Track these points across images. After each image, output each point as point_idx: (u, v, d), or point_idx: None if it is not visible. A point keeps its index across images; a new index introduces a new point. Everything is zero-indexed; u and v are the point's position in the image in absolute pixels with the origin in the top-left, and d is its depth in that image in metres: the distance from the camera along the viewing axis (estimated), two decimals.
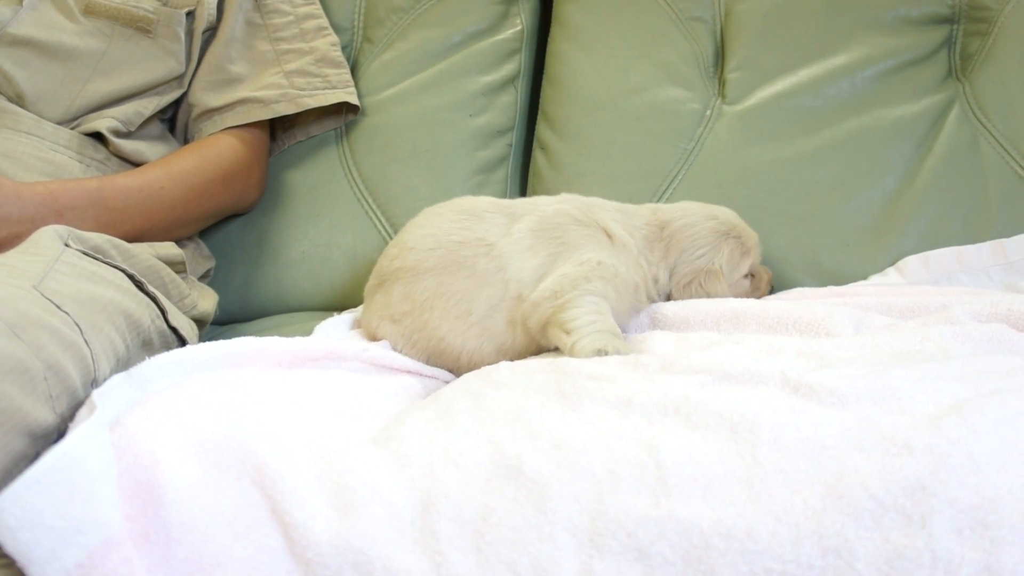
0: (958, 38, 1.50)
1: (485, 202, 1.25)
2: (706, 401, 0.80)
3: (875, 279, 1.35)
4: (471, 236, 1.19)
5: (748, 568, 0.68)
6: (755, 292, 1.31)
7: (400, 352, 1.19)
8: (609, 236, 1.21)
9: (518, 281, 1.15)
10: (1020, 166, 1.37)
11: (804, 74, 1.50)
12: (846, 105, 1.47)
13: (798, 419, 0.76)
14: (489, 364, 1.13)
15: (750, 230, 1.30)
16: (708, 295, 1.23)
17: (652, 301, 1.25)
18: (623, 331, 1.17)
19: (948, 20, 1.51)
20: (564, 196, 1.27)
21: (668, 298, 1.27)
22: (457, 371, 1.18)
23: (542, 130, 1.64)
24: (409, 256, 1.20)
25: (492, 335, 1.16)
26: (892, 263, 1.37)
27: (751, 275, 1.30)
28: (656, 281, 1.25)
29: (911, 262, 1.35)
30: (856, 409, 0.77)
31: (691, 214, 1.28)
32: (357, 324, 1.32)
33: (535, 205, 1.24)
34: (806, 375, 0.83)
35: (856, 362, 0.89)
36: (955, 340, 0.97)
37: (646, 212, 1.29)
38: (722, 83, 1.56)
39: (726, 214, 1.29)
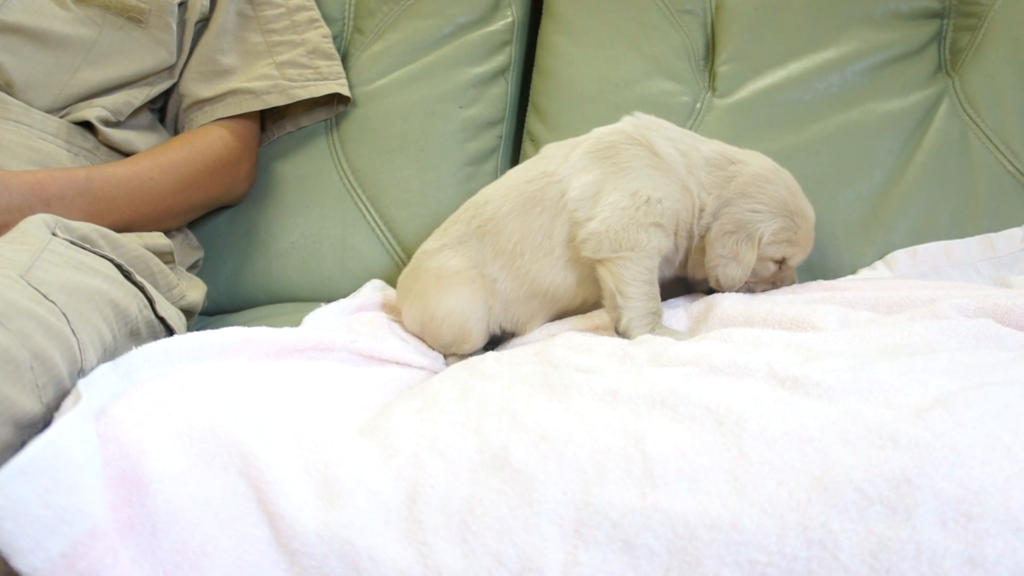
0: (948, 33, 1.51)
1: (549, 146, 1.30)
2: (693, 393, 0.81)
3: (864, 273, 1.36)
4: (536, 172, 1.25)
5: (733, 559, 0.68)
6: (772, 285, 1.28)
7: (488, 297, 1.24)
8: (655, 154, 1.20)
9: (574, 200, 1.20)
10: (1008, 161, 1.38)
11: (794, 68, 1.50)
12: (836, 99, 1.47)
13: (784, 411, 0.76)
14: (571, 297, 1.25)
15: (812, 235, 1.26)
16: (736, 255, 1.20)
17: (692, 239, 1.23)
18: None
19: (938, 15, 1.51)
20: (631, 116, 1.28)
21: (702, 239, 1.23)
22: (550, 313, 1.26)
23: (532, 122, 1.64)
24: (487, 209, 1.25)
25: (572, 265, 1.22)
26: (881, 257, 1.37)
27: (781, 266, 1.26)
28: (702, 210, 1.21)
29: (899, 256, 1.35)
30: (842, 402, 0.77)
31: (777, 174, 1.24)
32: (379, 307, 1.36)
33: (596, 130, 1.27)
34: (792, 368, 0.83)
35: (843, 355, 0.89)
36: (942, 334, 0.97)
37: (720, 144, 1.27)
38: (712, 76, 1.56)
39: (805, 204, 1.25)
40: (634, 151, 1.21)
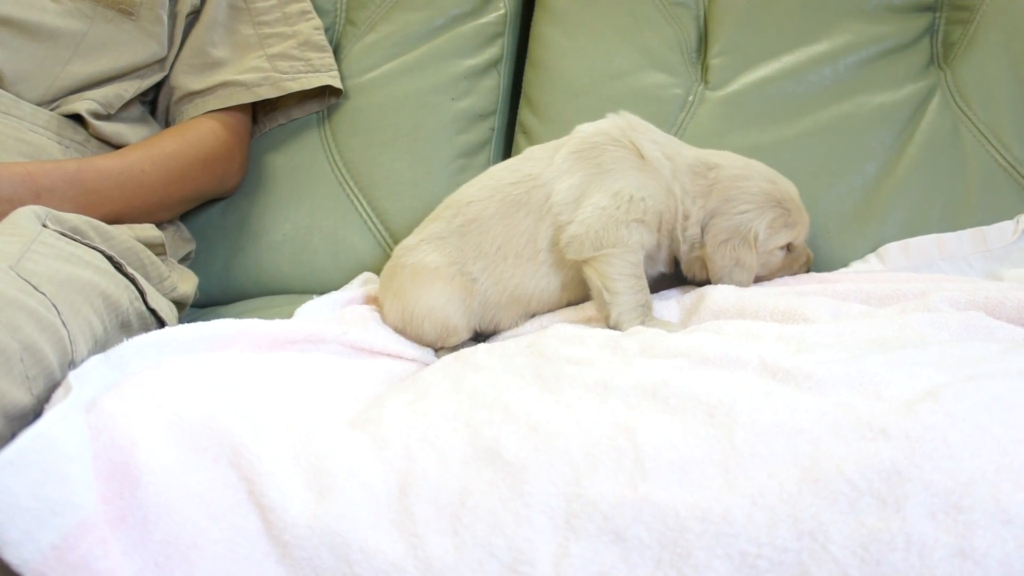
0: (940, 26, 1.51)
1: (532, 148, 1.30)
2: (684, 385, 0.81)
3: (855, 266, 1.36)
4: (521, 175, 1.24)
5: (724, 551, 0.68)
6: (788, 269, 1.28)
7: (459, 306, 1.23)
8: (641, 156, 1.20)
9: (558, 204, 1.20)
10: (1000, 154, 1.38)
11: (786, 60, 1.50)
12: (828, 92, 1.47)
13: (775, 403, 0.76)
14: (555, 301, 1.25)
15: (803, 209, 1.26)
16: (737, 261, 1.20)
17: (676, 242, 1.23)
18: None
19: (930, 8, 1.51)
20: (614, 114, 1.27)
21: (694, 248, 1.23)
22: (528, 314, 1.26)
23: (524, 114, 1.63)
24: (470, 209, 1.24)
25: (556, 269, 1.22)
26: (873, 250, 1.37)
27: (789, 249, 1.26)
28: (687, 217, 1.21)
29: (891, 249, 1.35)
30: (833, 394, 0.77)
31: (749, 168, 1.24)
32: (370, 300, 1.34)
33: (578, 128, 1.27)
34: (784, 360, 0.83)
35: (834, 347, 0.89)
36: (933, 327, 0.97)
37: (697, 150, 1.27)
38: (705, 69, 1.55)
39: (786, 184, 1.25)
40: (619, 153, 1.21)
